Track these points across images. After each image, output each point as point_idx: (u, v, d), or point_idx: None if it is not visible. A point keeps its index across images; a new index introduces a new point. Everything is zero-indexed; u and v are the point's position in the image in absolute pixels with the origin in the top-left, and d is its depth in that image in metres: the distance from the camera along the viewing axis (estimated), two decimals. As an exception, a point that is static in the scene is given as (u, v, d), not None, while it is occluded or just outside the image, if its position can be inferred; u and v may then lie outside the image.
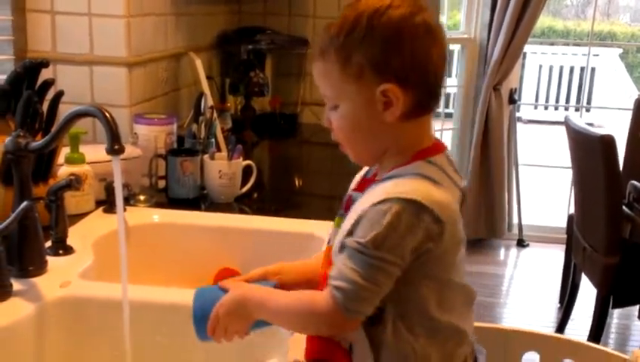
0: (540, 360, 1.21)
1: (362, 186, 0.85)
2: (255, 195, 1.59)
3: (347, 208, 0.84)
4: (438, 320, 0.81)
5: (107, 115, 0.92)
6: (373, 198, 0.77)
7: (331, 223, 0.89)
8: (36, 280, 1.03)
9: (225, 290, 0.86)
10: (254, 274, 0.92)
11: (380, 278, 0.75)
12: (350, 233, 0.77)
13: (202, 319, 0.84)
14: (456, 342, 0.83)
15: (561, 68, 7.76)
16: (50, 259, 1.09)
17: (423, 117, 0.83)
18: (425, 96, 0.81)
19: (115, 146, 0.91)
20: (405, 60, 0.78)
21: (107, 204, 1.36)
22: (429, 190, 0.77)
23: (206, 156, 1.52)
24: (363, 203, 0.78)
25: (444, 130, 3.95)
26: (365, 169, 0.90)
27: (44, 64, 1.22)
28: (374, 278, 0.75)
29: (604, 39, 8.05)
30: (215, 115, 1.71)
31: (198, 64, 1.88)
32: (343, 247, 0.78)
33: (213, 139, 1.65)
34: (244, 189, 1.55)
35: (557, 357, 1.20)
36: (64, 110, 1.08)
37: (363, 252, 0.75)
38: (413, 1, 0.80)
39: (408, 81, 0.79)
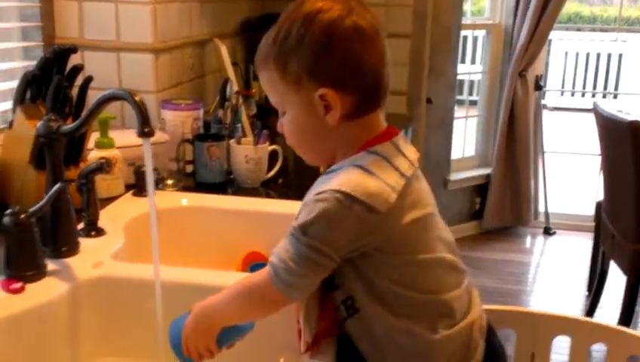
0: (571, 344, 1.20)
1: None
2: (282, 179, 1.59)
3: None
4: (415, 298, 0.83)
5: (137, 98, 0.93)
6: (314, 190, 0.81)
7: None
8: (69, 260, 1.05)
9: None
10: None
11: (308, 263, 0.78)
12: (296, 219, 0.81)
13: (176, 345, 0.87)
14: (443, 314, 0.85)
15: (588, 54, 7.64)
16: (82, 240, 1.10)
17: (369, 114, 0.84)
18: (365, 97, 0.83)
19: (145, 129, 0.92)
20: (338, 64, 0.80)
21: (136, 187, 1.37)
22: (362, 180, 0.79)
23: (232, 141, 1.53)
24: (308, 194, 0.83)
25: (468, 118, 3.92)
26: None
27: (72, 50, 1.24)
28: (300, 261, 0.78)
29: (632, 25, 7.89)
30: (241, 100, 1.71)
31: (223, 50, 1.89)
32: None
33: (239, 125, 1.66)
34: (271, 174, 1.56)
35: (587, 341, 1.19)
36: (92, 96, 1.10)
37: (294, 236, 0.79)
38: (344, 4, 0.81)
39: (344, 84, 0.81)
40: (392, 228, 0.79)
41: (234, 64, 1.97)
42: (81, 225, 1.14)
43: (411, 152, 0.86)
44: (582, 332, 1.19)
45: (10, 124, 1.28)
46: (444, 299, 0.85)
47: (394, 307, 0.82)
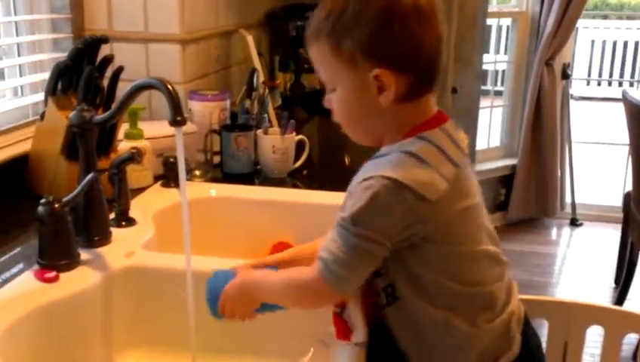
0: (604, 334, 1.19)
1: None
2: (307, 170, 1.59)
3: None
4: (457, 291, 0.81)
5: (169, 87, 0.93)
6: (361, 176, 0.78)
7: None
8: (102, 250, 1.06)
9: (235, 274, 0.90)
10: (268, 260, 0.96)
11: (358, 253, 0.77)
12: (342, 208, 0.79)
13: (213, 299, 0.89)
14: (485, 306, 0.83)
15: (615, 43, 7.50)
16: (113, 230, 1.11)
17: (422, 97, 0.82)
18: (420, 79, 0.80)
19: (177, 118, 0.92)
20: (395, 44, 0.77)
21: (165, 178, 1.38)
22: (412, 168, 0.76)
23: (259, 131, 1.53)
24: (354, 180, 0.80)
25: (493, 107, 3.87)
26: None
27: (103, 40, 1.24)
28: (353, 253, 0.76)
29: (661, 12, 7.74)
30: (267, 90, 1.71)
31: (250, 40, 1.88)
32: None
33: (266, 115, 1.66)
34: (297, 164, 1.55)
35: (621, 331, 1.17)
36: (122, 87, 1.10)
37: (344, 227, 0.77)
38: None
39: (400, 65, 0.78)
40: (441, 217, 0.77)
41: (259, 55, 1.96)
42: (112, 215, 1.15)
43: (462, 139, 0.84)
44: (615, 322, 1.17)
45: (42, 116, 1.30)
46: (487, 292, 0.83)
47: (435, 298, 0.81)
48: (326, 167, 1.79)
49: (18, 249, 1.08)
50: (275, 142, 1.50)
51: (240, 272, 0.90)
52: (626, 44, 7.44)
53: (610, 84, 7.63)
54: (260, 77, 1.78)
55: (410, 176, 0.75)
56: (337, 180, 1.67)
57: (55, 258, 0.97)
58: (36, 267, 0.98)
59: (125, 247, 1.07)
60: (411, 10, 0.77)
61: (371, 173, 0.77)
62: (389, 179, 0.75)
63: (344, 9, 0.78)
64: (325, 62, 0.82)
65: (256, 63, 1.83)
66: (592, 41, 7.52)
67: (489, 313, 0.84)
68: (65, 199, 0.98)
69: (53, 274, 0.95)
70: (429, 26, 0.79)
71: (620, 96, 2.73)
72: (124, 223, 1.15)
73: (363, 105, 0.81)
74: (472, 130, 3.55)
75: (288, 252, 0.98)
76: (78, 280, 0.97)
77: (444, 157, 0.79)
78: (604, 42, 7.54)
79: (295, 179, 1.54)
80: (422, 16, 0.78)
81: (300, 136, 1.56)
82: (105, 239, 1.08)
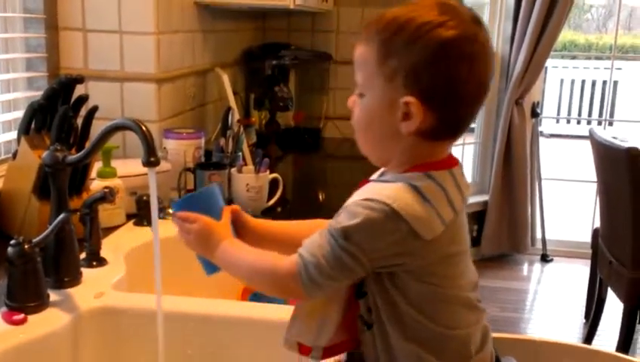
0: (572, 373, 1.20)
1: (362, 185, 0.85)
2: (281, 208, 1.60)
3: None
4: (429, 328, 0.81)
5: (144, 128, 0.94)
6: (361, 195, 0.79)
7: None
8: (71, 291, 1.05)
9: (221, 210, 0.91)
10: (240, 214, 0.95)
11: (340, 266, 0.77)
12: (336, 219, 0.79)
13: (185, 205, 0.92)
14: (455, 348, 0.84)
15: (583, 82, 7.73)
16: (84, 270, 1.10)
17: (441, 141, 0.82)
18: (447, 122, 0.80)
19: (151, 158, 0.93)
20: (437, 81, 0.77)
21: (138, 217, 1.38)
22: (414, 203, 0.76)
23: (233, 169, 1.54)
24: (353, 197, 0.80)
25: (465, 145, 3.94)
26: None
27: (79, 80, 1.25)
28: (333, 263, 0.77)
29: (627, 53, 7.99)
30: (242, 129, 1.73)
31: (225, 79, 1.91)
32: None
33: (240, 153, 1.67)
34: (271, 202, 1.57)
35: (588, 369, 1.19)
36: (96, 126, 1.10)
37: (334, 237, 0.77)
38: (469, 28, 0.77)
39: (433, 101, 0.77)
40: (429, 257, 0.78)
41: (235, 93, 1.99)
42: (83, 255, 1.14)
43: (465, 187, 0.84)
44: (583, 360, 1.19)
45: (14, 155, 1.29)
46: (459, 335, 0.83)
47: (407, 329, 0.81)
48: (300, 204, 1.80)
49: (-14, 290, 1.06)
50: (249, 181, 1.51)
51: (225, 224, 0.90)
52: (594, 83, 7.66)
53: (579, 122, 7.83)
54: (235, 115, 1.80)
55: (410, 210, 0.75)
56: (311, 218, 1.69)
57: (23, 299, 0.96)
58: (4, 309, 0.97)
59: (95, 288, 1.07)
60: (467, 57, 0.76)
61: (374, 195, 0.77)
62: (389, 207, 0.75)
63: (402, 28, 0.77)
64: (367, 66, 0.81)
65: (231, 102, 1.85)
66: (562, 80, 7.74)
67: (459, 355, 0.84)
68: (35, 240, 0.97)
69: (21, 316, 0.94)
70: (478, 73, 0.78)
71: (588, 134, 2.80)
72: (94, 263, 1.14)
73: (383, 123, 0.80)
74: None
75: (277, 224, 0.99)
76: (47, 322, 0.96)
77: (446, 200, 0.79)
78: (572, 81, 7.75)
79: (269, 216, 1.54)
80: (474, 65, 0.77)
81: (274, 175, 1.58)
82: (75, 280, 1.07)
